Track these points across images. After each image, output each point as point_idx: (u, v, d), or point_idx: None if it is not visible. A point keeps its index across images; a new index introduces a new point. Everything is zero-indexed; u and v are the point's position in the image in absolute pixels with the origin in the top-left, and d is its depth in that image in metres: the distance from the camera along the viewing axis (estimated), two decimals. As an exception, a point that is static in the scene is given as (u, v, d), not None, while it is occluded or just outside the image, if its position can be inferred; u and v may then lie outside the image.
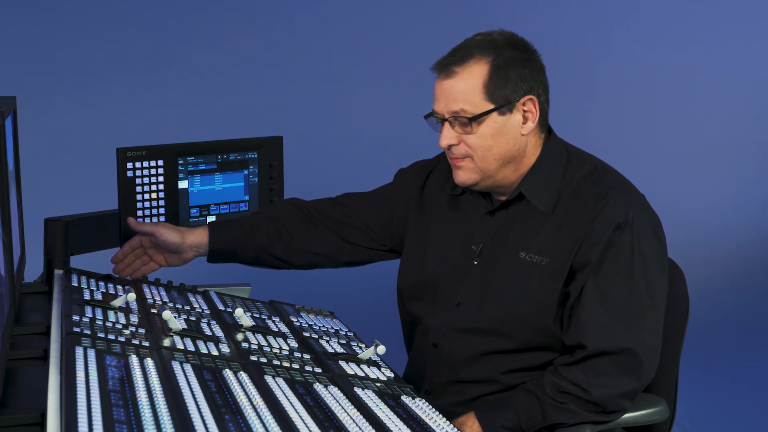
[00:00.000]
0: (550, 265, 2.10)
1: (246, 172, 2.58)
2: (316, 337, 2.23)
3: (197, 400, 1.55)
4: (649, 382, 2.10)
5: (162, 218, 2.47)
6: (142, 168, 2.41)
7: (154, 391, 1.54)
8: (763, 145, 4.23)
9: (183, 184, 2.48)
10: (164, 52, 4.21)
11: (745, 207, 4.19)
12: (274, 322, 2.30)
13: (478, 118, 2.08)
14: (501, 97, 2.08)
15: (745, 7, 4.16)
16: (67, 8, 4.17)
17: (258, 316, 2.32)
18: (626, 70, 4.17)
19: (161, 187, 2.44)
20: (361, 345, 2.24)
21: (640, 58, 4.19)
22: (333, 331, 2.34)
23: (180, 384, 1.61)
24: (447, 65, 2.11)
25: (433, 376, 2.25)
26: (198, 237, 2.37)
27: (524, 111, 2.11)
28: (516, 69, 2.09)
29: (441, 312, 2.24)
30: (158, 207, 2.45)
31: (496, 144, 2.10)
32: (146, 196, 2.42)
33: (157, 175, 2.43)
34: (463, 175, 2.15)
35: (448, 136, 2.11)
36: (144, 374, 1.61)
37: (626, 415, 2.11)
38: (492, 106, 2.08)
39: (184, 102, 4.19)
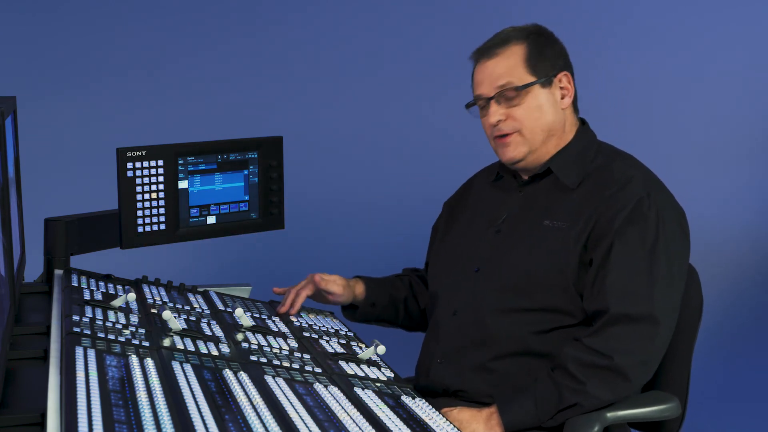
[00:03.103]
0: (571, 228, 2.16)
1: (246, 172, 2.58)
2: (316, 337, 2.23)
3: (197, 400, 1.55)
4: (661, 355, 2.13)
5: (162, 218, 2.46)
6: (142, 168, 2.41)
7: (154, 391, 1.54)
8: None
9: (183, 184, 2.48)
10: (164, 52, 4.20)
11: (754, 206, 4.16)
12: (274, 322, 2.30)
13: (524, 88, 2.20)
14: (542, 72, 2.22)
15: (747, 7, 4.15)
16: (67, 8, 4.17)
17: (258, 316, 2.33)
18: (625, 70, 4.17)
19: (161, 187, 2.44)
20: (361, 345, 2.25)
21: (639, 59, 4.19)
22: (333, 331, 2.34)
23: (180, 384, 1.61)
24: (488, 48, 2.25)
25: (449, 341, 2.26)
26: (360, 289, 2.48)
27: (560, 87, 2.25)
28: (550, 47, 2.26)
29: (461, 281, 2.29)
30: (158, 207, 2.45)
31: (542, 116, 2.23)
32: (146, 196, 2.42)
33: (157, 175, 2.43)
34: (512, 151, 2.24)
35: (496, 112, 2.22)
36: (144, 374, 1.61)
37: (638, 411, 2.13)
38: (535, 79, 2.21)
39: (184, 102, 4.18)
